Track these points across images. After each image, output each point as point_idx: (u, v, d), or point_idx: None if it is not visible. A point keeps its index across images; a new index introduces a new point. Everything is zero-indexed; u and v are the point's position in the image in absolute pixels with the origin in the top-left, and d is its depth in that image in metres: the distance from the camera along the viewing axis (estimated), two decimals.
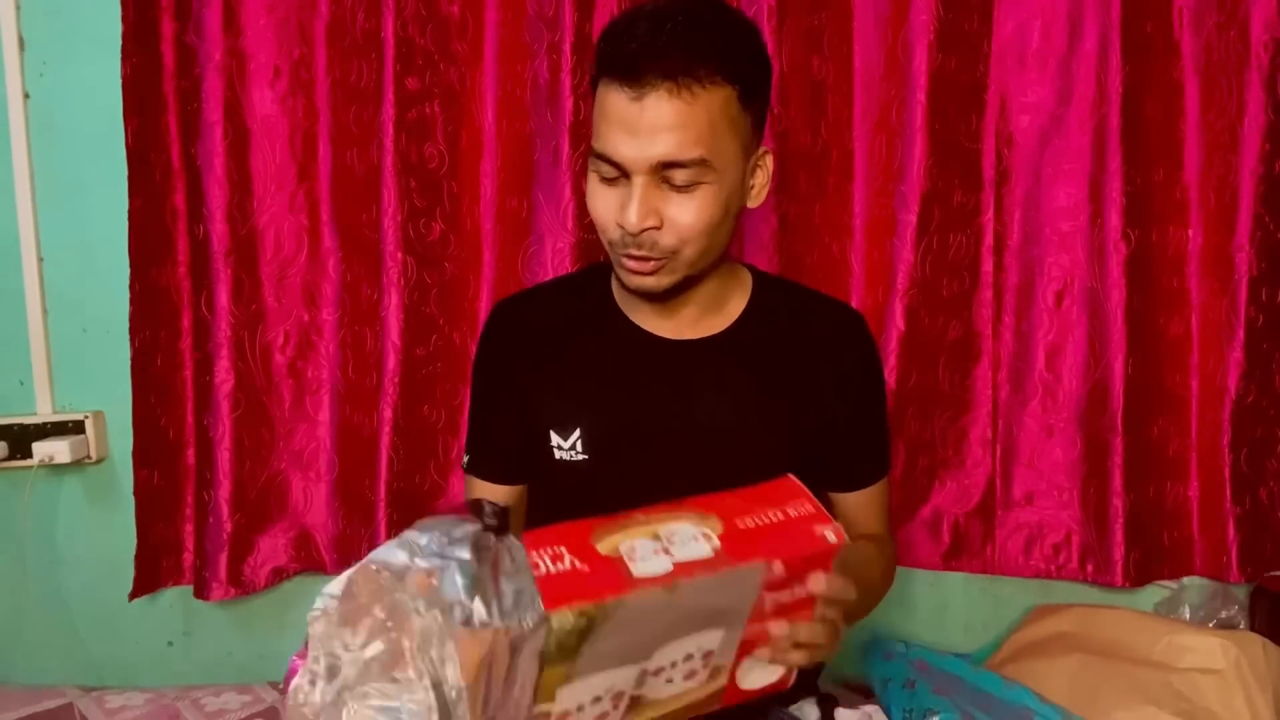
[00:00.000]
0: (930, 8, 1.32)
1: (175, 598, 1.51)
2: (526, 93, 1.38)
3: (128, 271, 1.39)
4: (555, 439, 1.02)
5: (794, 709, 1.08)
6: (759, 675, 0.79)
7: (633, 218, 0.87)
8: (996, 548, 1.45)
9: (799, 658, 0.79)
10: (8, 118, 1.42)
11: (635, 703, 0.72)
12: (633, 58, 0.84)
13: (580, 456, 1.01)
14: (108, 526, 1.49)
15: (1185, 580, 1.45)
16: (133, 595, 1.43)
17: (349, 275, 1.41)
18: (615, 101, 0.86)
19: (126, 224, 1.38)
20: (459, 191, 1.41)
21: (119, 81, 1.36)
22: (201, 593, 1.44)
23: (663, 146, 0.85)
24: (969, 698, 1.22)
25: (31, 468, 1.43)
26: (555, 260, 1.40)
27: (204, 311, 1.40)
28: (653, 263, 0.91)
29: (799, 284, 1.12)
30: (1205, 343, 1.41)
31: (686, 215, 0.88)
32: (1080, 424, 1.41)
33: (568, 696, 0.66)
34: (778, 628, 0.76)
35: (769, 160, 0.96)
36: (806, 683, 1.12)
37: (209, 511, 1.42)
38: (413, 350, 1.39)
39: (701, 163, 0.86)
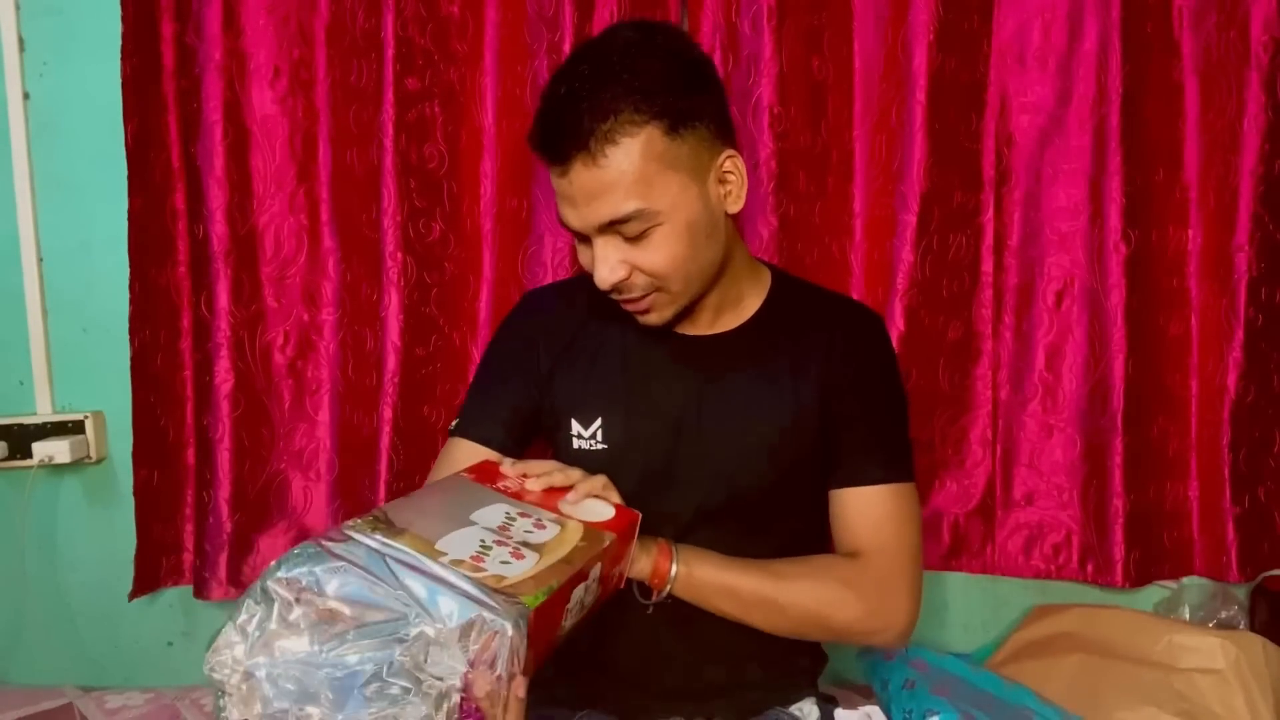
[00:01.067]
0: (930, 8, 1.32)
1: (175, 598, 1.52)
2: (526, 93, 1.38)
3: (128, 271, 1.39)
4: (576, 427, 1.04)
5: (794, 709, 1.08)
6: (591, 511, 0.89)
7: (602, 275, 0.93)
8: (996, 548, 1.45)
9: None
10: (8, 118, 1.43)
11: (533, 548, 0.77)
12: (545, 135, 0.90)
13: (600, 446, 1.03)
14: (108, 526, 1.49)
15: (1185, 580, 1.45)
16: (133, 595, 1.43)
17: (349, 275, 1.42)
18: (552, 178, 0.92)
19: (126, 224, 1.38)
20: (459, 191, 1.41)
21: (119, 81, 1.36)
22: (201, 593, 1.44)
23: (598, 211, 0.89)
24: (969, 698, 1.22)
25: (31, 468, 1.43)
26: (555, 260, 1.41)
27: (204, 311, 1.40)
28: (643, 301, 0.95)
29: (820, 286, 1.13)
30: (1205, 343, 1.41)
31: (651, 260, 0.92)
32: (1080, 424, 1.41)
33: (448, 544, 0.73)
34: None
35: (737, 163, 0.95)
36: (806, 682, 1.12)
37: (209, 511, 1.42)
38: (413, 350, 1.40)
39: (640, 214, 0.89)
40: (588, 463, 1.01)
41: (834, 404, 1.02)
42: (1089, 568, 1.42)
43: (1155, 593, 1.46)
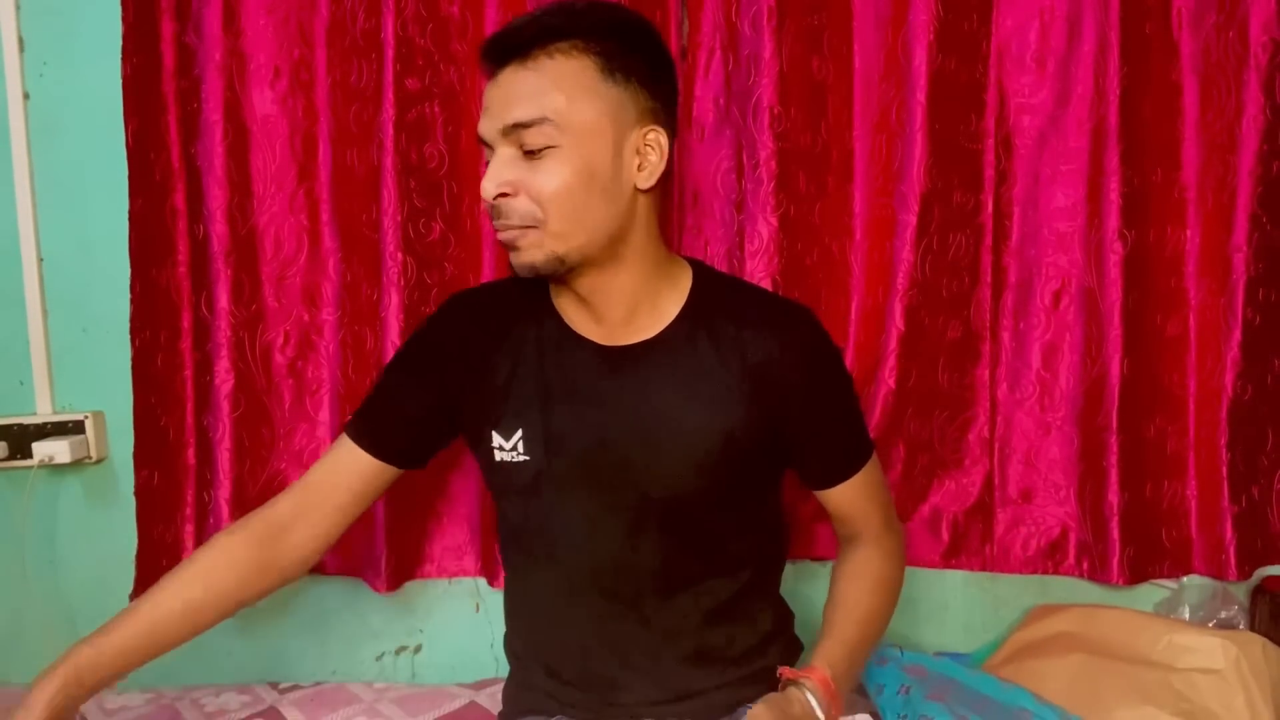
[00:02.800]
0: (930, 8, 1.32)
1: None
2: None
3: (128, 271, 1.39)
4: (497, 439, 1.03)
5: None
6: None
7: (487, 185, 0.92)
8: (995, 545, 1.46)
9: None
10: (8, 118, 1.43)
11: None
12: (491, 42, 0.93)
13: (521, 457, 1.02)
14: (108, 526, 1.49)
15: (1185, 580, 1.45)
16: (133, 595, 1.43)
17: (349, 275, 1.41)
18: (487, 88, 0.93)
19: (126, 224, 1.38)
20: (459, 191, 1.41)
21: (119, 81, 1.36)
22: None
23: (510, 111, 0.91)
24: (965, 701, 1.22)
25: (31, 468, 1.43)
26: None
27: (204, 312, 1.40)
28: (515, 232, 0.93)
29: (743, 282, 1.12)
30: (1202, 342, 1.41)
31: (540, 180, 0.91)
32: (1077, 422, 1.42)
33: None
34: None
35: (661, 140, 0.95)
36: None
37: (209, 511, 1.42)
38: None
39: (543, 121, 0.90)
40: (511, 474, 1.03)
41: (789, 413, 1.01)
42: (1085, 564, 1.43)
43: (1155, 592, 1.46)
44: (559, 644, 1.08)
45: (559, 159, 0.91)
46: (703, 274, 1.05)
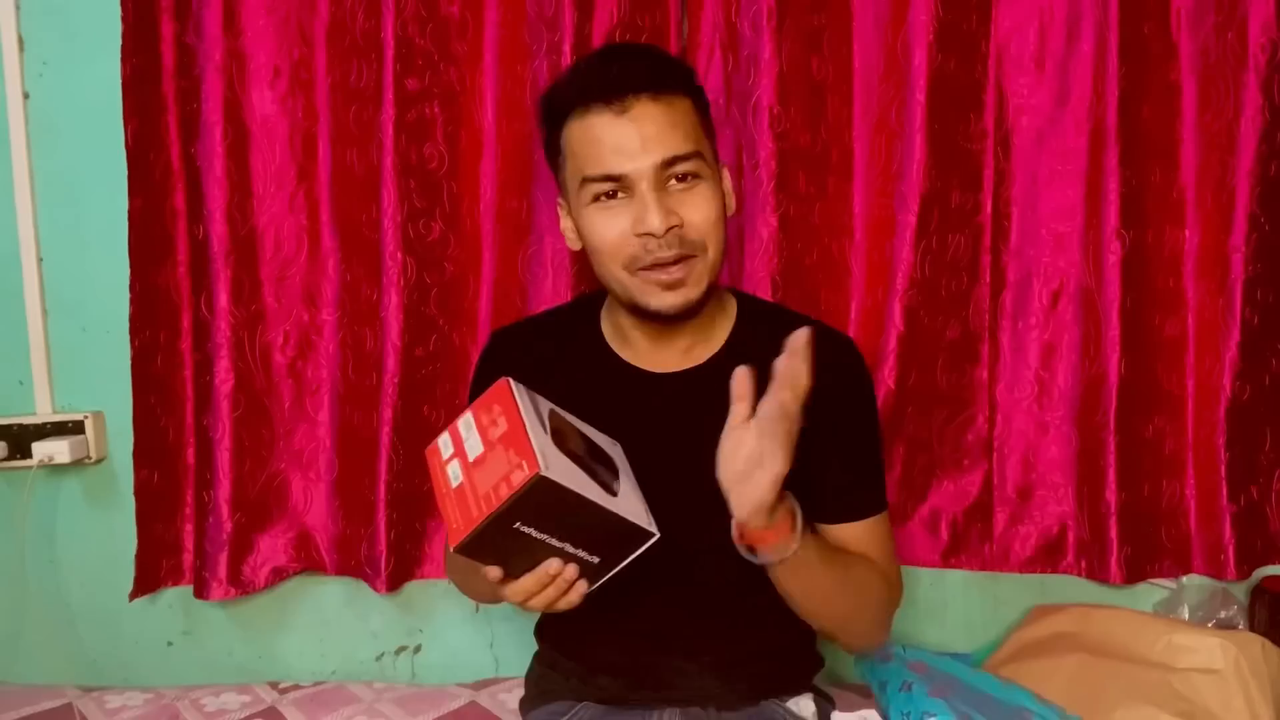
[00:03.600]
0: (929, 8, 1.32)
1: (175, 598, 1.52)
2: (526, 93, 1.39)
3: (128, 271, 1.39)
4: None
5: (791, 703, 1.09)
6: None
7: (656, 220, 0.91)
8: (994, 545, 1.46)
9: None
10: (8, 118, 1.43)
11: None
12: (607, 78, 0.92)
13: None
14: (108, 526, 1.49)
15: (1185, 580, 1.45)
16: (133, 595, 1.43)
17: (349, 275, 1.42)
18: (602, 125, 0.92)
19: (126, 224, 1.38)
20: (459, 192, 1.41)
21: (119, 81, 1.36)
22: (201, 593, 1.44)
23: (663, 144, 0.92)
24: (966, 699, 1.22)
25: (31, 468, 1.43)
26: (555, 260, 1.41)
27: (204, 312, 1.40)
28: (683, 264, 0.93)
29: (787, 309, 1.13)
30: (1201, 342, 1.41)
31: (699, 210, 0.93)
32: (1076, 422, 1.42)
33: None
34: None
35: (727, 174, 1.02)
36: (803, 680, 1.13)
37: (209, 511, 1.42)
38: (413, 350, 1.40)
39: (697, 155, 0.93)
40: None
41: (816, 441, 0.96)
42: (1084, 563, 1.43)
43: (1154, 592, 1.46)
44: (598, 631, 1.07)
45: (706, 190, 0.94)
46: (746, 301, 1.09)
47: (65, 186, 1.45)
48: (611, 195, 0.93)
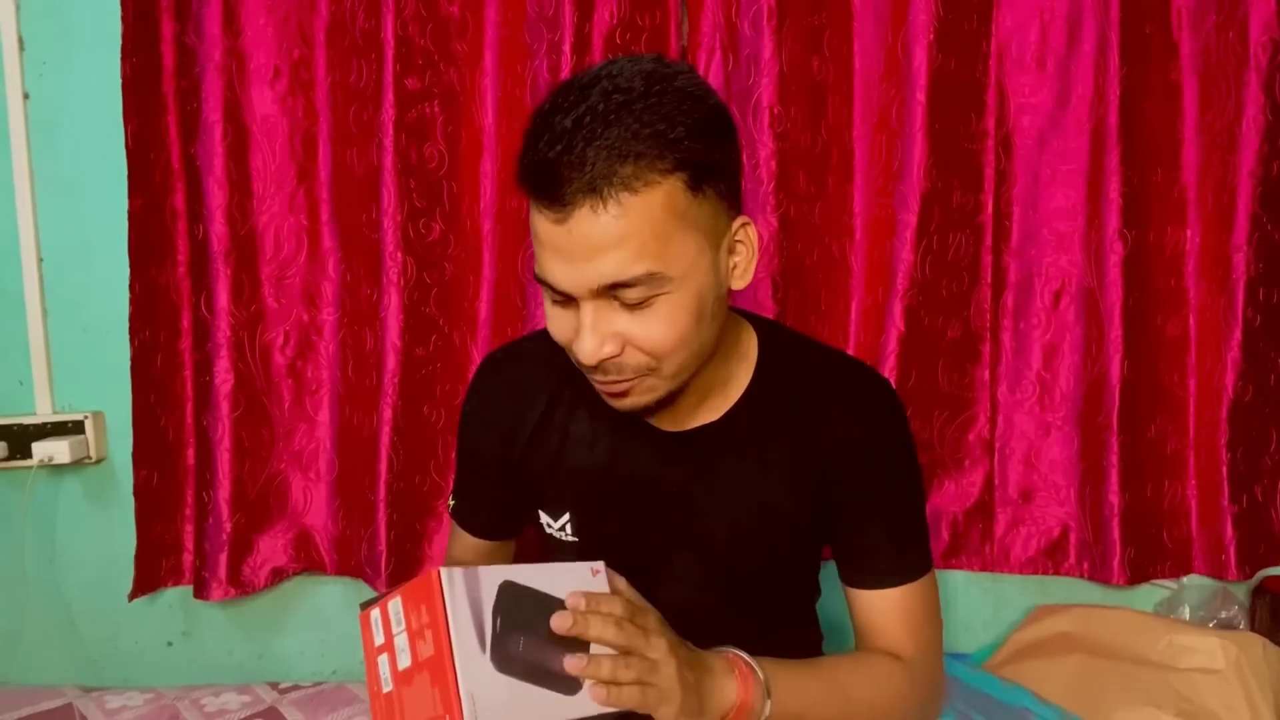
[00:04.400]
0: (930, 8, 1.32)
1: (175, 598, 1.52)
2: (526, 93, 1.38)
3: (128, 271, 1.39)
4: (545, 518, 0.98)
5: None
6: None
7: (587, 349, 0.77)
8: (995, 545, 1.46)
9: None
10: (8, 118, 1.43)
11: None
12: (547, 170, 0.73)
13: (570, 539, 0.96)
14: (108, 526, 1.49)
15: (1186, 580, 1.45)
16: (133, 595, 1.43)
17: (349, 275, 1.42)
18: (540, 223, 0.75)
19: (126, 224, 1.38)
20: (459, 192, 1.41)
21: (119, 81, 1.36)
22: (201, 593, 1.44)
23: (601, 269, 0.74)
24: (967, 700, 1.22)
25: (31, 468, 1.43)
26: None
27: (204, 311, 1.40)
28: (625, 383, 0.80)
29: (813, 343, 0.98)
30: (1203, 342, 1.41)
31: (650, 333, 0.77)
32: (1077, 423, 1.42)
33: None
34: None
35: (750, 232, 0.83)
36: None
37: (209, 511, 1.42)
38: (413, 350, 1.40)
39: (651, 277, 0.74)
40: (561, 547, 0.98)
41: (847, 495, 0.91)
42: (1086, 565, 1.43)
43: (1155, 593, 1.46)
44: None
45: (668, 307, 0.76)
46: (768, 339, 0.94)
47: (65, 186, 1.45)
48: (558, 300, 0.79)
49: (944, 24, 1.33)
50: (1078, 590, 1.45)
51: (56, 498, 1.51)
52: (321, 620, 1.53)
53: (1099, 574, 1.41)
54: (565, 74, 1.33)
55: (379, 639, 0.72)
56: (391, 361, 1.38)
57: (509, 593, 0.71)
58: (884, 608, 0.92)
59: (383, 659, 0.72)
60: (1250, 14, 1.34)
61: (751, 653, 0.83)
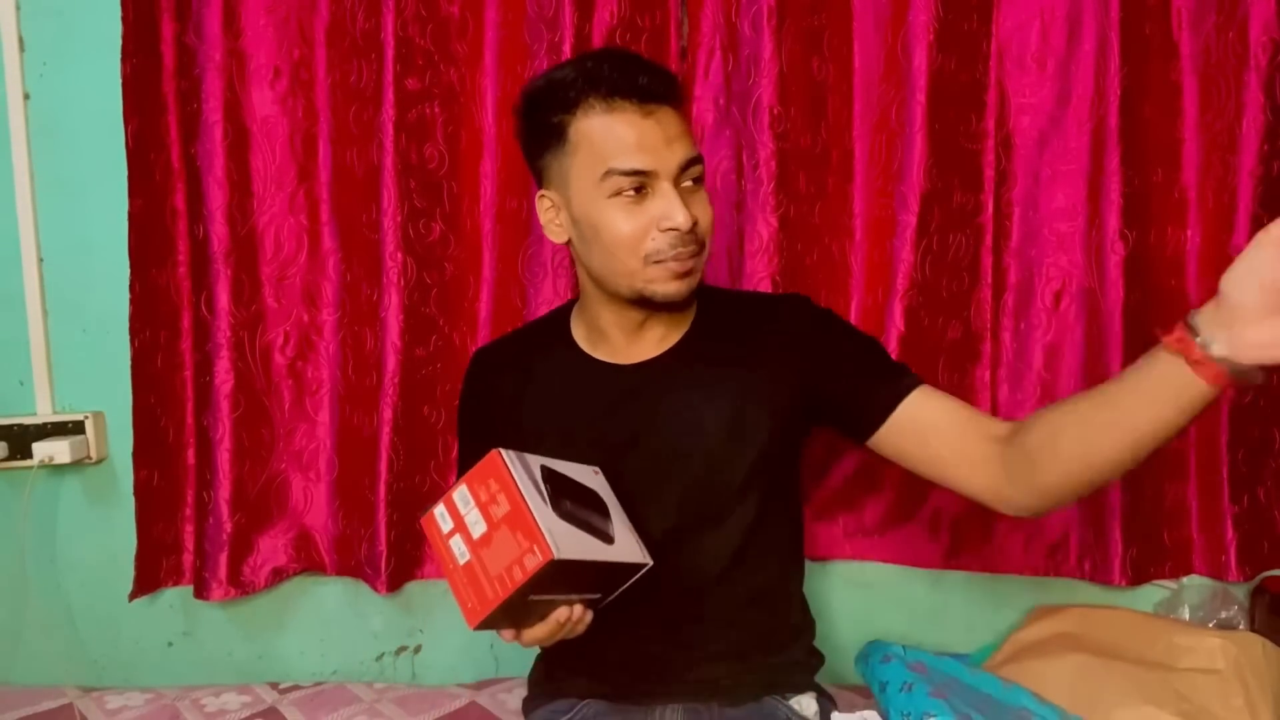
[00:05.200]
0: (930, 8, 1.32)
1: (175, 598, 1.52)
2: None
3: (128, 272, 1.39)
4: None
5: (793, 702, 1.09)
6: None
7: (682, 217, 0.96)
8: (995, 546, 1.46)
9: None
10: (8, 118, 1.43)
11: None
12: (642, 76, 0.97)
13: None
14: (108, 526, 1.49)
15: (1185, 580, 1.45)
16: (133, 595, 1.43)
17: (349, 275, 1.42)
18: (627, 123, 0.97)
19: (126, 224, 1.38)
20: (459, 192, 1.41)
21: (119, 82, 1.36)
22: (201, 593, 1.44)
23: (682, 149, 0.98)
24: (967, 699, 1.21)
25: (31, 468, 1.43)
26: (555, 260, 1.41)
27: (204, 312, 1.40)
28: (692, 259, 0.99)
29: (740, 290, 1.25)
30: None
31: (705, 211, 1.01)
32: None
33: None
34: None
35: None
36: (806, 680, 1.13)
37: (209, 511, 1.42)
38: (413, 350, 1.40)
39: (701, 159, 1.01)
40: None
41: (818, 377, 1.05)
42: (1086, 565, 1.43)
43: (1155, 593, 1.46)
44: (606, 622, 1.07)
45: (705, 193, 1.03)
46: (705, 290, 1.11)
47: (65, 186, 1.45)
48: (638, 190, 0.97)
49: (944, 24, 1.33)
50: (1078, 590, 1.45)
51: (56, 498, 1.51)
52: (321, 620, 1.53)
53: (1100, 575, 1.41)
54: None
55: (447, 526, 0.88)
56: (391, 361, 1.38)
57: (548, 472, 0.91)
58: (927, 410, 1.02)
59: (455, 539, 0.87)
60: (1250, 14, 1.34)
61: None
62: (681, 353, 1.08)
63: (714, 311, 1.11)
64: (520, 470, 0.87)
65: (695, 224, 0.98)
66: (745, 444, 1.05)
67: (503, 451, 0.88)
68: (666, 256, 0.98)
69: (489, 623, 0.85)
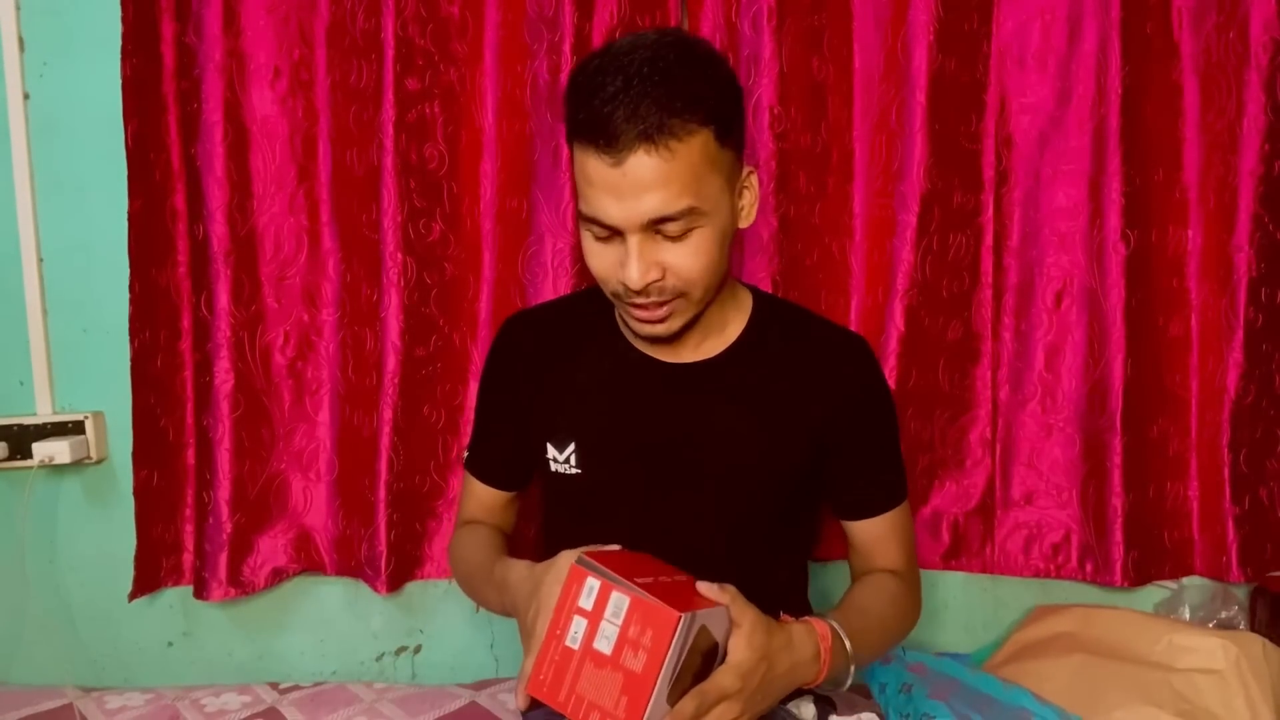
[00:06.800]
0: (930, 8, 1.32)
1: (175, 598, 1.52)
2: (526, 93, 1.38)
3: (128, 272, 1.39)
4: (551, 451, 1.06)
5: (790, 706, 1.09)
6: None
7: (634, 275, 0.90)
8: (996, 547, 1.46)
9: None
10: (8, 118, 1.43)
11: None
12: (605, 121, 0.85)
13: (574, 470, 1.05)
14: (108, 526, 1.49)
15: (1185, 580, 1.45)
16: (133, 595, 1.43)
17: (349, 275, 1.42)
18: (595, 167, 0.88)
19: (126, 224, 1.38)
20: (459, 192, 1.41)
21: (119, 81, 1.36)
22: (201, 593, 1.44)
23: (650, 205, 0.88)
24: (966, 700, 1.22)
25: (31, 468, 1.43)
26: (555, 261, 1.41)
27: (204, 312, 1.40)
28: (663, 308, 0.94)
29: (801, 307, 1.14)
30: (1205, 343, 1.41)
31: (686, 261, 0.91)
32: (1079, 424, 1.41)
33: None
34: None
35: (754, 179, 0.98)
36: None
37: (209, 512, 1.42)
38: (413, 351, 1.40)
39: (690, 211, 0.89)
40: (563, 485, 1.07)
41: (820, 435, 1.04)
42: (1088, 567, 1.42)
43: (1155, 593, 1.46)
44: None
45: (700, 238, 0.91)
46: (761, 297, 1.10)
47: (65, 186, 1.45)
48: (603, 236, 0.93)
49: (944, 24, 1.33)
50: (1078, 590, 1.45)
51: (56, 498, 1.51)
52: (321, 620, 1.53)
53: (1101, 576, 1.41)
54: (565, 74, 1.33)
55: (586, 605, 0.78)
56: (391, 361, 1.38)
57: (689, 625, 0.77)
58: (879, 533, 1.09)
59: (579, 620, 0.78)
60: (1251, 14, 1.34)
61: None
62: (733, 360, 1.05)
63: (772, 325, 1.07)
64: (682, 642, 0.76)
65: (659, 280, 0.91)
66: (780, 462, 1.04)
67: (685, 618, 0.75)
68: (625, 303, 0.95)
69: (536, 700, 0.79)
